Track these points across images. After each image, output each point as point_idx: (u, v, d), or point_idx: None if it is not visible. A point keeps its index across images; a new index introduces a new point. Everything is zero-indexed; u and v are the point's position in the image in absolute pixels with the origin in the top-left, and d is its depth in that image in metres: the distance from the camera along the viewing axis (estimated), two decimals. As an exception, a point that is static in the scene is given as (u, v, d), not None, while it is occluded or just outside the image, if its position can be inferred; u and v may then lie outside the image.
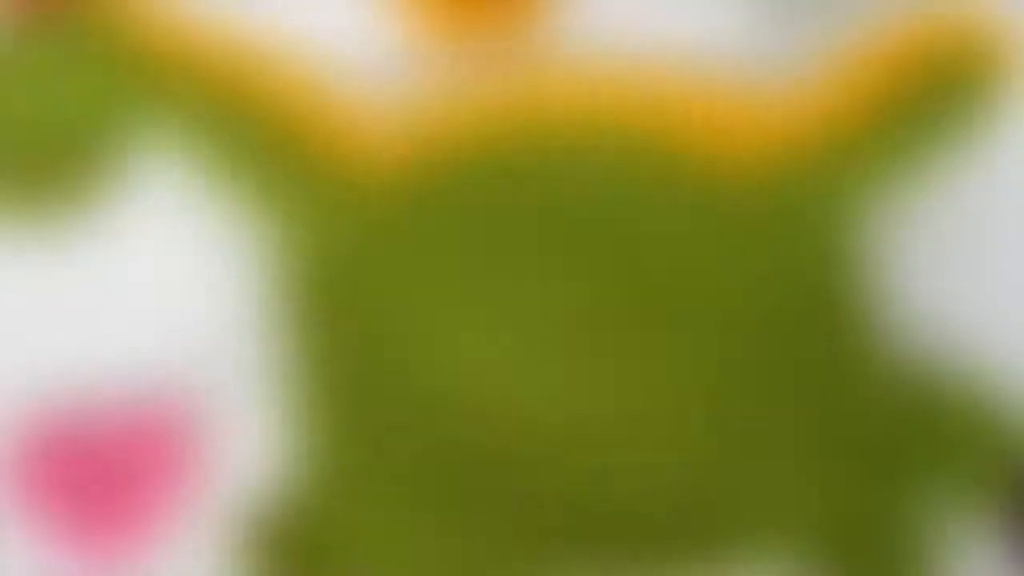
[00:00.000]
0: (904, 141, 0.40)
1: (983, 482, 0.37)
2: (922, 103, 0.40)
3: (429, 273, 0.40)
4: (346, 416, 0.38)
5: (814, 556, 0.36)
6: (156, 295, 0.40)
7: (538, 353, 0.39)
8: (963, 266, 0.40)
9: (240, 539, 0.36)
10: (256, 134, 0.41)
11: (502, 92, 0.42)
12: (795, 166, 0.40)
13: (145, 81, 0.42)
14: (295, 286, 0.40)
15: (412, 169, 0.41)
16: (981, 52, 0.40)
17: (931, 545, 0.36)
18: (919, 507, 0.37)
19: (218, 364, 0.39)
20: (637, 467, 0.37)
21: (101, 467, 0.37)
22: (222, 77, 0.42)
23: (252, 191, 0.41)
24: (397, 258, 0.40)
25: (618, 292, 0.40)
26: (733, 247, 0.40)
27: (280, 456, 0.38)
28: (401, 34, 0.44)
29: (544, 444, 0.38)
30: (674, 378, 0.38)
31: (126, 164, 0.41)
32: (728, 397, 0.38)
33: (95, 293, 0.40)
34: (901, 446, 0.37)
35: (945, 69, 0.40)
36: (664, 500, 0.37)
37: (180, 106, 0.41)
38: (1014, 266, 0.40)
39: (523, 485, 0.37)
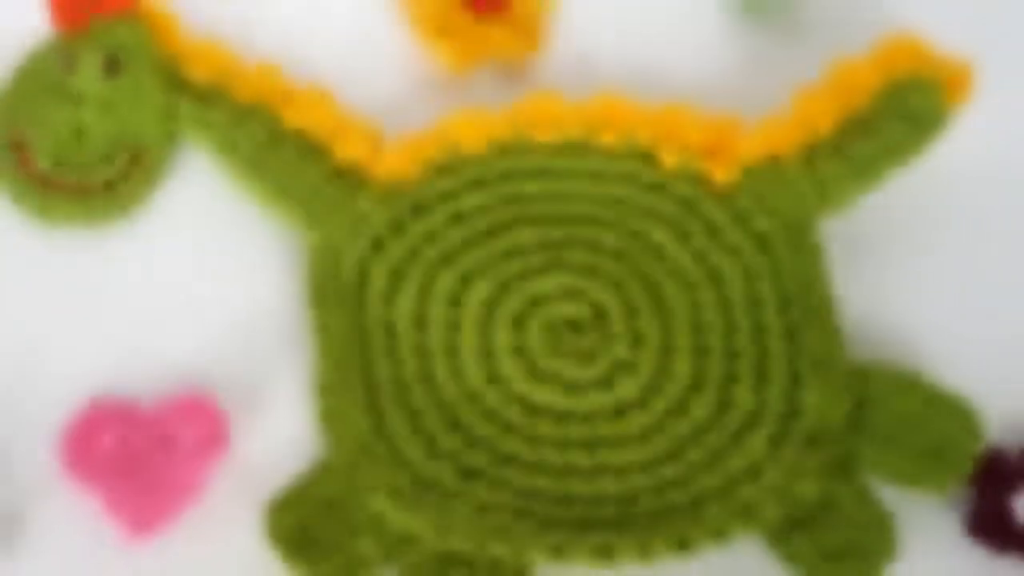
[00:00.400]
0: (858, 157, 0.41)
1: (934, 468, 0.37)
2: (874, 125, 0.42)
3: (436, 271, 0.40)
4: (359, 400, 0.38)
5: (782, 536, 0.36)
6: (199, 293, 0.41)
7: (535, 346, 0.39)
8: (906, 266, 0.42)
9: (263, 503, 0.36)
10: (283, 149, 0.42)
11: (510, 109, 0.43)
12: (765, 176, 0.41)
13: (186, 106, 0.43)
14: (317, 284, 0.40)
15: (424, 178, 0.42)
16: (923, 85, 0.42)
17: (890, 523, 0.36)
18: (877, 490, 0.37)
19: (248, 353, 0.40)
20: (624, 456, 0.38)
21: (148, 441, 0.38)
22: (254, 96, 0.43)
23: (281, 201, 0.41)
24: (408, 258, 0.41)
25: (610, 286, 0.40)
26: (713, 246, 0.41)
27: (301, 433, 0.38)
28: (419, 58, 0.46)
29: (538, 432, 0.38)
30: (658, 371, 0.39)
31: (168, 177, 0.43)
32: (705, 391, 0.38)
33: (144, 293, 0.41)
34: (857, 434, 0.38)
35: (894, 98, 0.42)
36: (648, 485, 0.37)
37: (218, 125, 0.43)
38: (947, 267, 0.42)
39: (518, 469, 0.37)
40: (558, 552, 0.36)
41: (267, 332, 0.41)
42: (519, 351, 0.39)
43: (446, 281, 0.40)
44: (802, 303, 0.40)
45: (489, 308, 0.40)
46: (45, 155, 0.43)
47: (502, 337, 0.39)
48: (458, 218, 0.42)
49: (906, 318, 0.41)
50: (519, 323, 0.40)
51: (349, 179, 0.42)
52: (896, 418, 0.38)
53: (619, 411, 0.39)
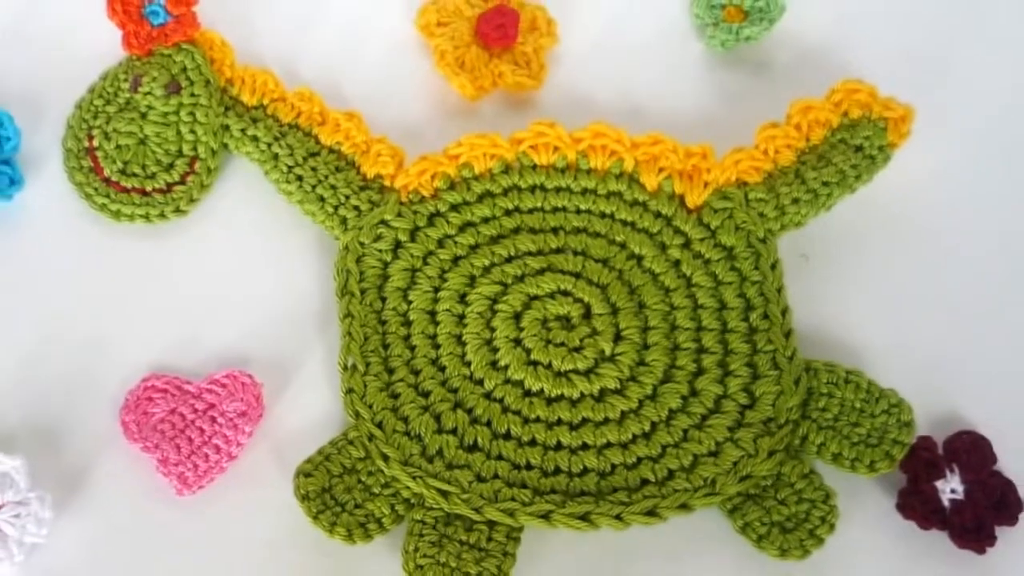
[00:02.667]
0: (813, 183, 0.43)
1: (871, 453, 0.39)
2: (828, 156, 0.43)
3: (447, 272, 0.42)
4: (378, 381, 0.40)
5: (739, 509, 0.38)
6: (242, 284, 0.43)
7: (530, 339, 0.40)
8: (850, 279, 0.43)
9: (293, 468, 0.38)
10: (318, 163, 0.44)
11: (515, 134, 0.44)
12: (732, 198, 0.43)
13: (235, 123, 0.45)
14: (344, 279, 0.42)
15: (439, 191, 0.43)
16: (871, 123, 0.44)
17: (832, 500, 0.38)
18: (821, 471, 0.38)
19: (284, 337, 0.42)
20: (604, 436, 0.39)
21: (195, 412, 0.39)
22: (295, 117, 0.45)
23: (315, 207, 0.43)
24: (423, 260, 0.42)
25: (597, 289, 0.42)
26: (687, 257, 0.42)
27: (327, 408, 0.40)
28: (438, 89, 0.48)
29: (531, 413, 0.40)
30: (636, 363, 0.40)
31: (218, 184, 0.45)
32: (676, 382, 0.40)
33: (194, 283, 0.43)
34: (805, 422, 0.39)
35: (846, 133, 0.44)
36: (624, 462, 0.39)
37: (262, 141, 0.44)
38: (885, 281, 0.43)
39: (513, 445, 0.39)
40: (545, 517, 0.37)
41: (300, 319, 0.42)
42: (516, 342, 0.40)
43: (455, 280, 0.42)
44: (761, 308, 0.41)
45: (491, 305, 0.41)
46: (113, 161, 0.44)
47: (502, 330, 0.41)
48: (467, 227, 0.43)
49: (850, 324, 0.42)
50: (517, 318, 0.41)
51: (375, 190, 0.43)
52: (839, 410, 0.39)
53: (601, 397, 0.40)
